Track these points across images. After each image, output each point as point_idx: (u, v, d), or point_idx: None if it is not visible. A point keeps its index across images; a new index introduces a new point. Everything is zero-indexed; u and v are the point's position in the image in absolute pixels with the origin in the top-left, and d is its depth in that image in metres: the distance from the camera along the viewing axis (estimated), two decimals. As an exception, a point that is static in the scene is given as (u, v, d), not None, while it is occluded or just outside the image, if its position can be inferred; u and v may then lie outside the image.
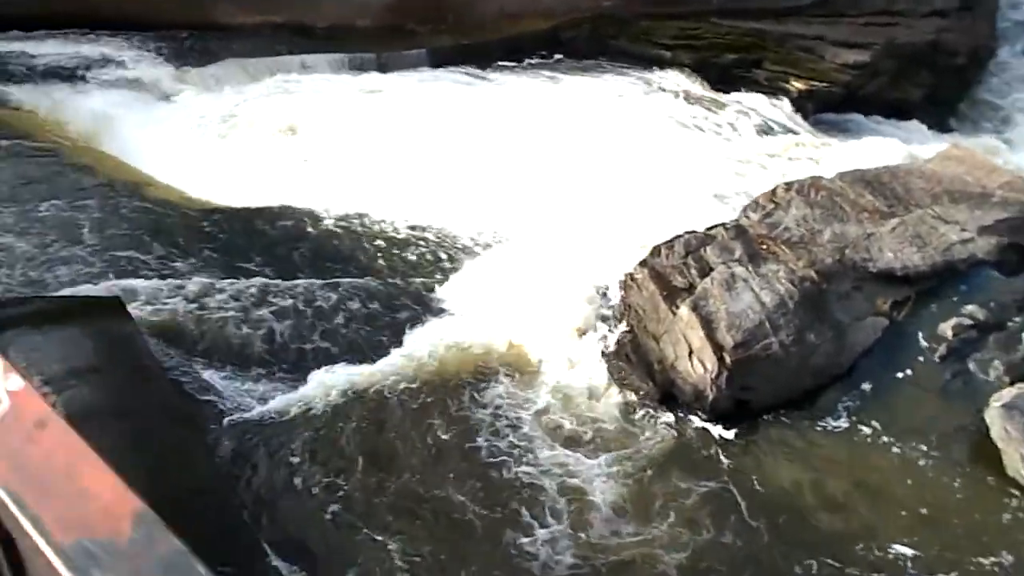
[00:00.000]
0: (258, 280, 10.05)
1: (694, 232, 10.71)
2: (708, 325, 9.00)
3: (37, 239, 9.82)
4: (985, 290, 10.48)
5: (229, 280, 10.01)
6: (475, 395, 9.34)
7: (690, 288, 9.62)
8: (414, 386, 9.32)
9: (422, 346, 9.75)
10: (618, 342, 9.52)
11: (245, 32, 16.78)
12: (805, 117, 17.31)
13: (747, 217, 11.02)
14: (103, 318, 8.66)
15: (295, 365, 9.43)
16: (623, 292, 10.05)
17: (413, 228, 11.92)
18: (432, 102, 15.60)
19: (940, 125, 18.85)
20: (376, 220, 11.99)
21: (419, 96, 15.79)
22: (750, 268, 9.72)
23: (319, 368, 9.32)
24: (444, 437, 8.91)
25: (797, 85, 17.32)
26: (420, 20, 17.55)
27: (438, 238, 11.80)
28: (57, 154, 12.16)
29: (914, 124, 18.38)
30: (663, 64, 17.54)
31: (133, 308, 9.07)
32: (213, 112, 14.95)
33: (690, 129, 15.66)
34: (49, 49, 15.41)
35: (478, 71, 17.17)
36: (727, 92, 17.16)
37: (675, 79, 17.28)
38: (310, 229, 11.59)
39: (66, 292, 9.03)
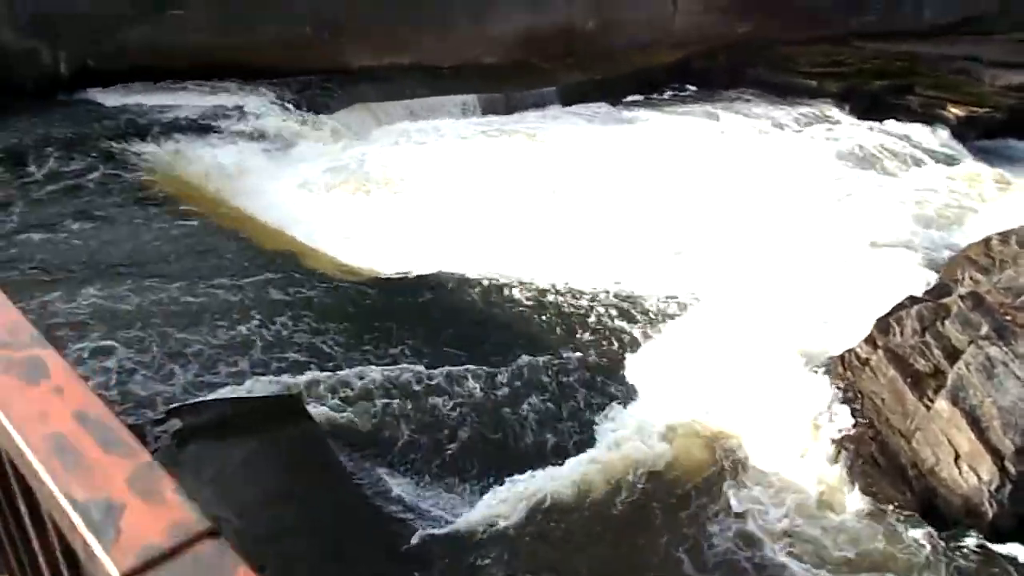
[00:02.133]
0: (432, 368, 8.72)
1: (920, 301, 9.08)
2: (976, 424, 7.36)
3: (207, 327, 8.65)
4: None
5: (403, 367, 8.70)
6: (686, 500, 7.84)
7: (936, 374, 7.99)
8: (613, 493, 7.86)
9: (616, 442, 8.28)
10: (854, 438, 7.93)
11: (373, 75, 15.58)
12: (964, 145, 15.47)
13: (972, 279, 9.34)
14: (285, 423, 7.47)
15: (481, 469, 8.05)
16: (850, 374, 8.47)
17: (584, 291, 10.48)
18: (575, 146, 14.19)
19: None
20: (540, 283, 10.58)
21: (560, 139, 14.39)
22: (1004, 348, 8.05)
23: (508, 473, 7.93)
24: (654, 556, 7.44)
25: (955, 111, 15.48)
26: (548, 55, 16.19)
27: (617, 301, 10.34)
28: (206, 222, 11.05)
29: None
30: (809, 94, 15.86)
31: (311, 405, 7.84)
32: (345, 163, 13.78)
33: (854, 166, 13.96)
34: (184, 100, 14.44)
35: (613, 110, 15.74)
36: (880, 121, 15.42)
37: (823, 110, 15.57)
38: (471, 298, 10.23)
39: (244, 390, 7.84)
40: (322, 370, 8.44)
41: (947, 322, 8.43)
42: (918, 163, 14.23)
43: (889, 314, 8.87)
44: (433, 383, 8.67)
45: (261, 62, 15.13)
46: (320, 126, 14.82)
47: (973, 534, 7.18)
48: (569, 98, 15.84)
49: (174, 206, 11.50)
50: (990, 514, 7.01)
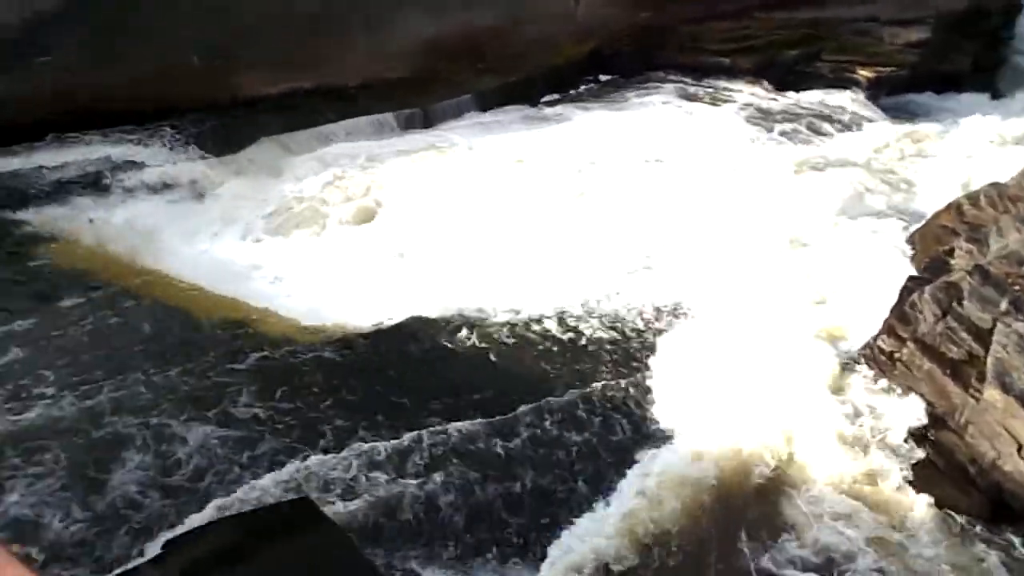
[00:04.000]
0: (435, 431, 7.54)
1: (921, 280, 8.53)
2: (1032, 409, 6.79)
3: (171, 430, 7.14)
4: None
5: (404, 438, 7.48)
6: (746, 525, 7.01)
7: (972, 359, 7.41)
8: (665, 533, 6.93)
9: (648, 487, 7.33)
10: (904, 441, 7.24)
11: (273, 103, 13.96)
12: (876, 105, 15.28)
13: (965, 250, 8.85)
14: (305, 531, 6.15)
15: (518, 538, 6.96)
16: (880, 372, 7.80)
17: (567, 312, 9.47)
18: (505, 156, 13.08)
19: (991, 92, 17.02)
20: (520, 313, 9.49)
21: (490, 150, 13.24)
22: (1029, 322, 7.54)
23: (547, 539, 6.88)
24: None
25: (864, 73, 15.28)
26: (454, 62, 14.96)
27: (602, 324, 9.37)
28: (134, 296, 9.39)
29: (970, 96, 16.50)
30: (723, 71, 15.29)
31: (324, 503, 6.56)
32: (268, 205, 12.19)
33: (784, 140, 13.44)
34: (71, 156, 12.47)
35: (532, 111, 14.69)
36: (797, 91, 15.02)
37: (742, 86, 15.03)
38: (452, 342, 9.06)
39: (243, 498, 6.47)
40: (317, 456, 7.13)
41: (964, 302, 7.87)
42: (845, 128, 13.90)
43: (901, 301, 8.26)
44: (441, 450, 7.49)
45: (144, 101, 13.28)
46: (227, 166, 13.11)
47: (1051, 527, 6.60)
48: (486, 104, 14.72)
49: (80, 283, 9.72)
50: (1068, 505, 6.45)
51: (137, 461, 6.88)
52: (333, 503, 6.68)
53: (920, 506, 6.92)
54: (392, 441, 7.42)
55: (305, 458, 7.09)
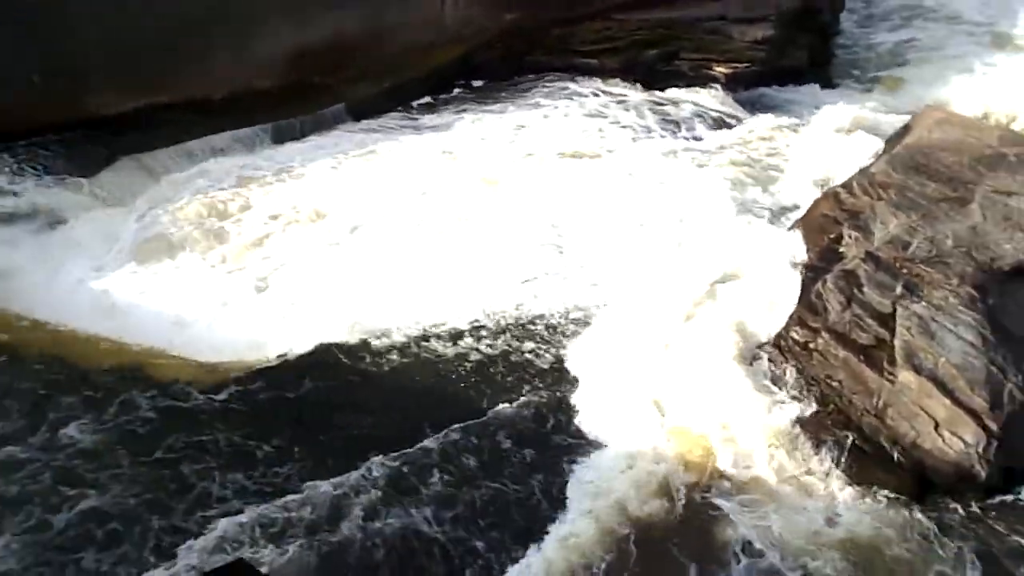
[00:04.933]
0: (373, 466, 6.99)
1: (816, 270, 8.75)
2: (944, 387, 7.07)
3: (100, 493, 6.20)
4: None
5: (328, 483, 6.87)
6: (679, 528, 6.91)
7: (880, 344, 7.64)
8: (611, 543, 6.74)
9: (591, 495, 7.14)
10: (828, 428, 7.37)
11: (129, 121, 12.66)
12: (734, 99, 15.76)
13: (852, 238, 9.17)
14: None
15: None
16: (794, 362, 7.90)
17: (474, 331, 9.09)
18: (386, 167, 12.47)
19: (828, 82, 18.00)
20: (423, 333, 9.01)
21: (370, 160, 12.59)
22: (924, 304, 7.88)
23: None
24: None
25: (721, 70, 15.69)
26: (326, 71, 14.14)
27: (511, 334, 9.04)
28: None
29: (808, 88, 17.35)
30: (591, 72, 15.28)
31: (262, 557, 5.87)
32: (132, 233, 11.01)
33: (656, 139, 13.57)
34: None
35: (407, 118, 14.12)
36: (662, 90, 15.23)
37: (610, 87, 15.07)
38: (361, 370, 8.46)
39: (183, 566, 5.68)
40: (247, 504, 6.39)
41: (864, 289, 8.13)
42: (713, 124, 14.20)
43: (805, 291, 8.44)
44: (384, 489, 6.91)
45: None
46: (83, 191, 11.76)
47: (971, 497, 6.88)
48: (360, 113, 13.99)
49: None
50: (983, 474, 6.77)
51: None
52: (277, 562, 5.99)
53: (851, 491, 7.06)
54: (311, 486, 6.78)
55: (233, 513, 6.33)
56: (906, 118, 14.66)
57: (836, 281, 8.22)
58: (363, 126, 13.86)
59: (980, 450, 6.77)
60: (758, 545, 6.81)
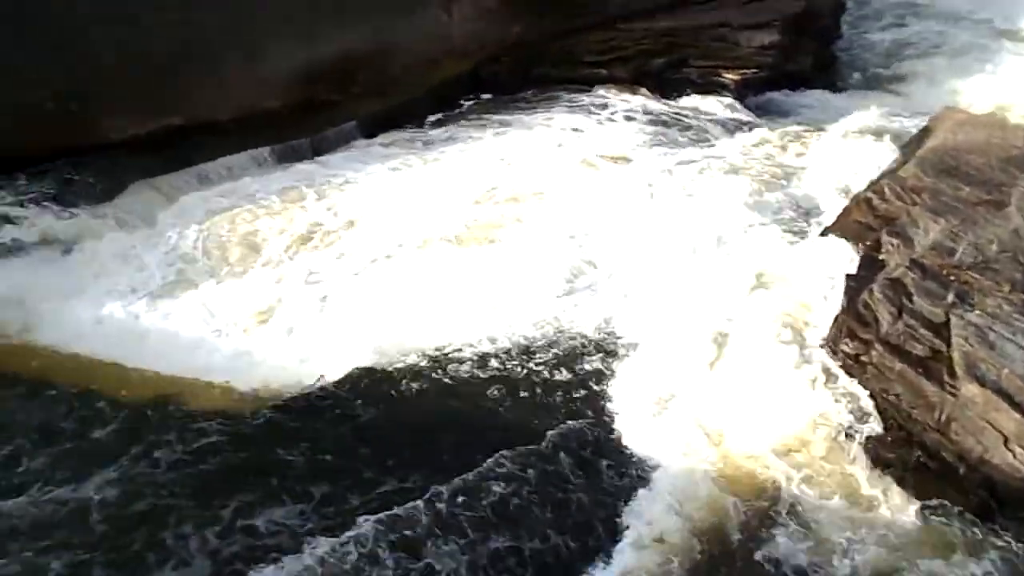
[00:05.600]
0: (433, 496, 6.59)
1: (864, 279, 8.40)
2: (1011, 400, 6.70)
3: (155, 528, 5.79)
4: None
5: (398, 508, 6.45)
6: (742, 554, 6.51)
7: (936, 355, 7.27)
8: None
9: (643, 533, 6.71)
10: (889, 445, 7.00)
11: (141, 145, 12.24)
12: (744, 106, 15.46)
13: (893, 245, 8.83)
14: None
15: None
16: (849, 375, 7.54)
17: (506, 350, 8.68)
18: (402, 184, 12.08)
19: (834, 86, 17.76)
20: (458, 354, 8.61)
21: (383, 180, 12.19)
22: (978, 312, 7.53)
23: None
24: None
25: (730, 76, 15.39)
26: (333, 89, 13.76)
27: (547, 354, 8.65)
28: (23, 381, 7.75)
29: (816, 92, 17.11)
30: (601, 82, 14.95)
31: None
32: (150, 258, 10.60)
33: (673, 149, 13.22)
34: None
35: (419, 135, 13.72)
36: (672, 98, 14.92)
37: (622, 97, 14.74)
38: (404, 389, 8.05)
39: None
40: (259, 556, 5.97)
41: (915, 298, 7.77)
42: (726, 131, 13.89)
43: (851, 302, 8.08)
44: (412, 536, 6.45)
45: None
46: (99, 217, 11.32)
47: (1044, 514, 6.51)
48: (371, 130, 13.61)
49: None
50: (1057, 491, 6.38)
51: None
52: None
53: (916, 510, 6.69)
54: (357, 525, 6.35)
55: (291, 550, 5.91)
56: (920, 120, 14.44)
57: (883, 290, 7.87)
58: (376, 143, 13.47)
59: (1053, 465, 6.41)
60: (823, 568, 6.43)
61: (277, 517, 6.34)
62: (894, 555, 6.45)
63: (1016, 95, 16.42)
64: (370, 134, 13.60)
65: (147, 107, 12.22)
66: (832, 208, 11.19)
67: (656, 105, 14.42)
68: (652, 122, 13.89)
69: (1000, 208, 9.40)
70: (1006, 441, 6.57)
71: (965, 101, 15.99)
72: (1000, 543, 6.42)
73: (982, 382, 6.82)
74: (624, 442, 7.48)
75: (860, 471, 6.90)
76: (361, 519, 6.35)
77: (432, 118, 14.25)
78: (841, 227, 9.92)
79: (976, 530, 6.51)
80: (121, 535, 6.14)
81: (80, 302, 9.58)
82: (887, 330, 7.49)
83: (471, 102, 14.78)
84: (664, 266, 9.92)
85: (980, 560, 6.34)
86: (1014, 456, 6.52)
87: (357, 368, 8.17)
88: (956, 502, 6.62)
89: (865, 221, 9.64)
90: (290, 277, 9.97)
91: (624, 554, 6.47)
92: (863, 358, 7.50)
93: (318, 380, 8.04)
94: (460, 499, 6.70)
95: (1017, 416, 6.60)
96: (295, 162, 12.75)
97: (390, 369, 8.25)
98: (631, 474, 7.17)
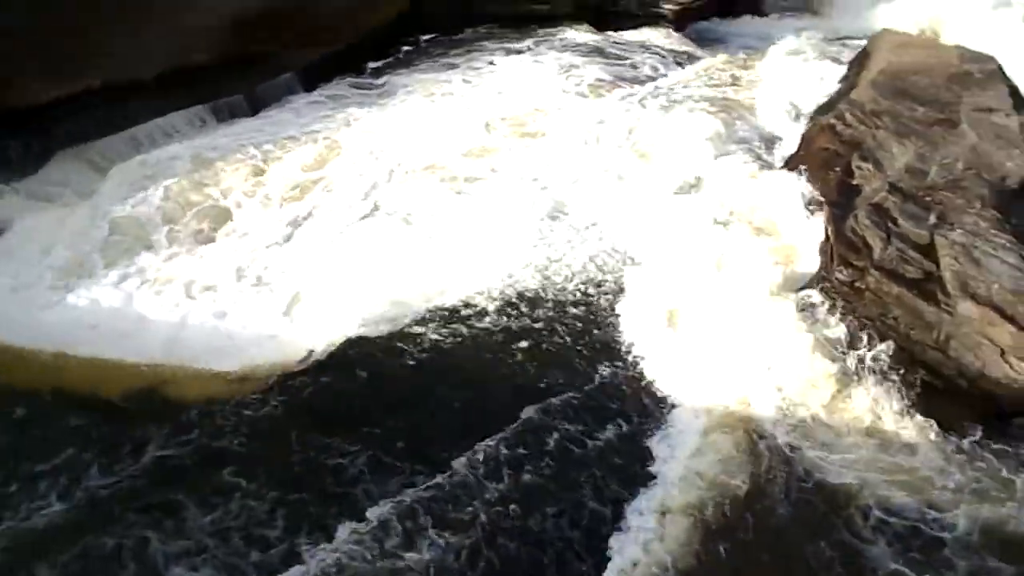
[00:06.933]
0: (459, 464, 6.30)
1: (845, 207, 8.41)
2: (1004, 314, 6.87)
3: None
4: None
5: (418, 488, 6.15)
6: (761, 494, 6.54)
7: (928, 277, 7.37)
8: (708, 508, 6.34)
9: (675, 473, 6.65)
10: (893, 367, 7.09)
11: (59, 110, 11.11)
12: (684, 35, 15.28)
13: (863, 169, 8.88)
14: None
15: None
16: (844, 303, 7.58)
17: (510, 301, 8.39)
18: (355, 137, 11.42)
19: (760, 11, 17.77)
20: (455, 314, 8.27)
21: (338, 135, 11.48)
22: (960, 231, 7.66)
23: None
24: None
25: (669, 7, 15.13)
26: (266, 39, 12.80)
27: (541, 297, 8.41)
28: None
29: (746, 18, 17.15)
30: (544, 19, 14.44)
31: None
32: (92, 235, 9.70)
33: (626, 85, 12.93)
34: None
35: (362, 84, 12.97)
36: (615, 31, 14.57)
37: (567, 33, 14.28)
38: (401, 356, 7.66)
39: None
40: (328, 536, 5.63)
41: (900, 222, 7.84)
42: (675, 62, 13.69)
43: (838, 230, 8.09)
44: (443, 497, 6.19)
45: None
46: (24, 194, 10.33)
47: (1042, 420, 6.76)
48: (311, 82, 12.79)
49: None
50: (1054, 397, 6.62)
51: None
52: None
53: (925, 427, 6.84)
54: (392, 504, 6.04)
55: (319, 539, 5.57)
56: (849, 42, 14.61)
57: (869, 216, 7.90)
58: (317, 96, 12.69)
59: (1049, 373, 6.62)
60: (835, 486, 6.51)
61: (298, 502, 5.94)
62: (905, 467, 6.58)
63: (929, 14, 16.76)
64: (310, 86, 12.78)
65: (61, 68, 11.05)
66: (789, 134, 11.24)
67: (600, 39, 14.05)
68: (598, 58, 13.53)
69: (955, 127, 9.54)
70: (1003, 353, 6.74)
71: (882, 22, 16.21)
72: (1007, 450, 6.62)
73: (975, 299, 6.96)
74: (638, 389, 7.35)
75: (867, 395, 6.97)
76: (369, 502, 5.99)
77: (373, 65, 13.50)
78: (807, 155, 9.92)
79: (981, 440, 6.69)
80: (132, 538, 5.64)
81: (19, 292, 8.68)
82: (879, 255, 7.54)
83: (411, 47, 14.04)
84: (635, 208, 9.71)
85: (987, 469, 6.52)
86: (1012, 368, 6.71)
87: (350, 337, 7.70)
88: (964, 418, 6.78)
89: (832, 148, 9.64)
90: (251, 245, 9.31)
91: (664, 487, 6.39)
92: (859, 284, 7.54)
93: (307, 355, 7.55)
94: (494, 463, 6.43)
95: (1012, 329, 6.77)
96: (234, 120, 11.86)
97: (384, 335, 7.82)
98: (651, 418, 7.06)
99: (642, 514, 6.22)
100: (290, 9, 12.86)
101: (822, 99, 11.81)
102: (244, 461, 6.22)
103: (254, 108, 12.14)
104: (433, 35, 14.14)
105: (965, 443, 6.72)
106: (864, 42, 12.96)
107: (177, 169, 10.60)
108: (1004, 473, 6.48)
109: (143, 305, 8.44)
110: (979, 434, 6.74)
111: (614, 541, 5.98)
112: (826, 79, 12.70)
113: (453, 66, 13.18)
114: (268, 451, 6.30)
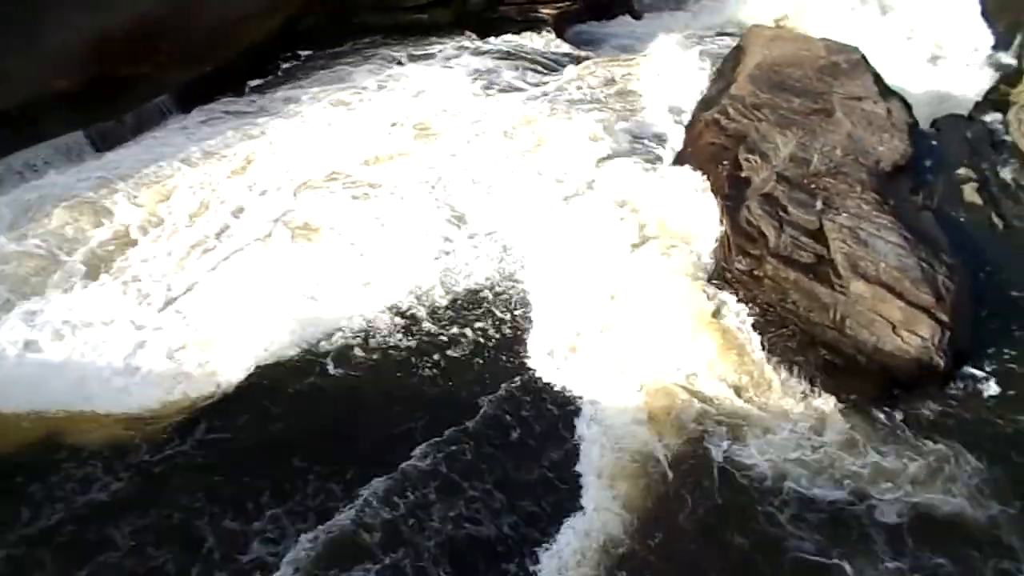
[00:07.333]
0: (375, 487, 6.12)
1: (737, 199, 8.69)
2: (893, 290, 7.26)
3: None
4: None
5: (338, 516, 5.93)
6: (676, 478, 6.68)
7: (820, 260, 7.72)
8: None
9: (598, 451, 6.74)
10: (795, 350, 7.36)
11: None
12: (564, 39, 15.45)
13: (750, 160, 9.21)
14: None
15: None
16: (744, 292, 7.82)
17: (421, 318, 8.24)
18: (235, 159, 10.95)
19: (633, 13, 18.19)
20: (367, 331, 8.05)
21: (218, 155, 10.98)
22: (846, 215, 8.07)
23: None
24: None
25: (547, 11, 15.27)
26: (137, 60, 12.10)
27: (451, 308, 8.30)
28: None
29: (623, 19, 17.54)
30: (424, 30, 14.28)
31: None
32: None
33: (511, 91, 12.95)
34: None
35: (242, 104, 12.45)
36: (497, 36, 14.59)
37: (449, 43, 14.18)
38: (315, 378, 7.40)
39: None
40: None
41: (790, 209, 8.17)
42: (556, 66, 13.81)
43: (734, 221, 8.34)
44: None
45: None
46: None
47: (932, 387, 7.17)
48: (187, 103, 12.18)
49: None
50: (942, 364, 7.04)
51: None
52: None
53: (830, 404, 7.13)
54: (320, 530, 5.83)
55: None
56: (720, 39, 15.15)
57: (761, 206, 8.20)
58: (194, 118, 12.09)
59: (936, 342, 7.04)
60: (753, 471, 6.71)
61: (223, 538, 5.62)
62: (813, 445, 6.85)
63: (793, 6, 17.57)
64: (187, 107, 12.18)
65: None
66: (674, 131, 11.53)
67: (481, 47, 14.03)
68: (481, 65, 13.49)
69: (830, 116, 10.06)
70: (894, 328, 7.12)
71: (751, 16, 16.95)
72: (900, 419, 6.98)
73: (866, 278, 7.33)
74: (545, 392, 7.35)
75: (774, 378, 7.22)
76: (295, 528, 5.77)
77: (252, 83, 12.99)
78: (695, 150, 10.21)
79: (880, 412, 7.03)
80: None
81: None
82: (774, 243, 7.83)
83: (290, 63, 13.61)
84: (532, 214, 9.72)
85: (888, 439, 6.86)
86: (903, 340, 7.09)
87: (261, 365, 7.37)
88: (866, 392, 7.11)
89: (719, 142, 9.96)
90: (149, 273, 8.78)
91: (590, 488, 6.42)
92: (757, 272, 7.80)
93: (219, 385, 7.19)
94: (405, 486, 6.28)
95: (901, 304, 7.17)
96: (110, 147, 11.17)
97: (297, 358, 7.54)
98: (563, 422, 7.07)
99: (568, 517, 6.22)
100: (156, 27, 12.21)
101: (701, 95, 12.18)
102: (140, 511, 5.84)
103: (133, 132, 11.46)
104: (312, 50, 13.73)
105: (870, 416, 7.04)
106: (736, 36, 13.49)
107: (60, 201, 9.89)
108: (910, 440, 6.82)
109: (37, 349, 7.79)
110: (881, 406, 7.08)
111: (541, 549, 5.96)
112: (703, 74, 13.11)
113: (329, 82, 12.84)
114: (169, 498, 5.94)
